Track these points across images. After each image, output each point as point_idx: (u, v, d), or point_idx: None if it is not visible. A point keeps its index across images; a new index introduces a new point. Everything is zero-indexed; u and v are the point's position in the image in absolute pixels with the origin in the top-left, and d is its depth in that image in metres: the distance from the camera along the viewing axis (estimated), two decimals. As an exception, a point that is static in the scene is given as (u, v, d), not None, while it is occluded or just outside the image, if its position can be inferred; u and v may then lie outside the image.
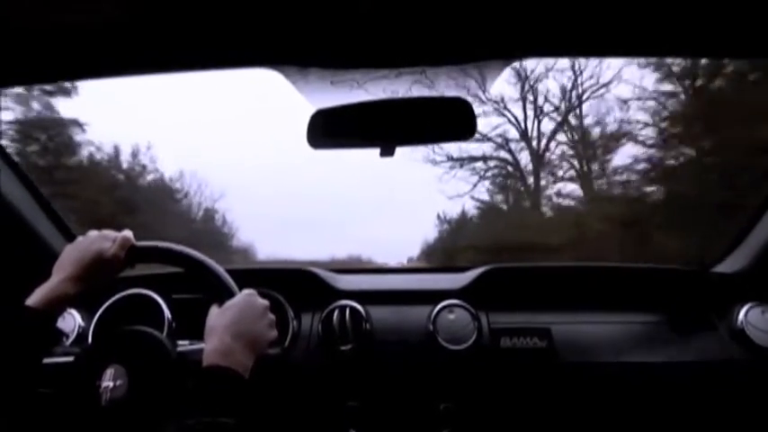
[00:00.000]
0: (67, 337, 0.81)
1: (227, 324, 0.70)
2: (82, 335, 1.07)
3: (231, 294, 0.78)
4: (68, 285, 0.72)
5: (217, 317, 0.73)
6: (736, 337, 1.05)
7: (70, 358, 0.73)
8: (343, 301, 1.11)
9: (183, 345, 0.80)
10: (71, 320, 1.08)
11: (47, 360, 0.71)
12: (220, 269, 0.82)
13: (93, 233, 0.80)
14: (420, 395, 1.06)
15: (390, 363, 1.08)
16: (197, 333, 0.75)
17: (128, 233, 0.81)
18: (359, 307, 1.10)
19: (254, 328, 0.73)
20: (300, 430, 1.07)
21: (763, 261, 1.14)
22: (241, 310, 0.74)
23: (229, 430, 0.57)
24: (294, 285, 1.14)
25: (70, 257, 0.75)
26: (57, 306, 0.71)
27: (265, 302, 0.78)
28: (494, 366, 1.06)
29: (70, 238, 1.17)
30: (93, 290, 0.76)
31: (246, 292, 0.78)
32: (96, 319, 1.06)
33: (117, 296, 1.08)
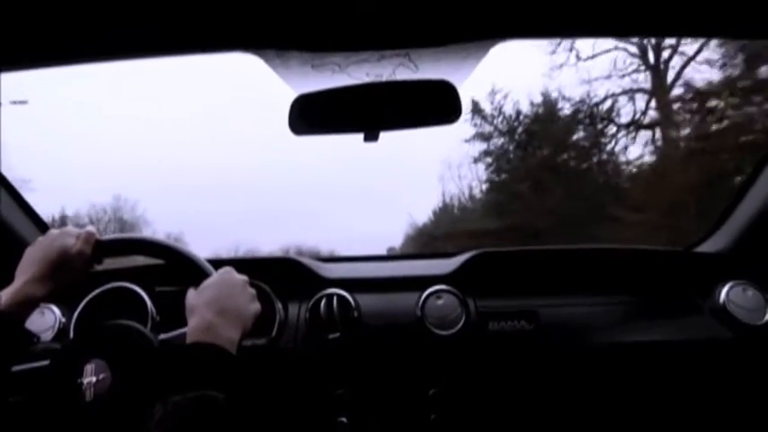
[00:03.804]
0: (38, 339, 0.79)
1: (208, 301, 0.69)
2: (63, 330, 1.05)
3: (207, 275, 0.77)
4: (33, 286, 0.70)
5: (196, 296, 0.71)
6: (718, 316, 1.07)
7: (45, 362, 0.71)
8: (331, 290, 1.09)
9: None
10: (51, 316, 1.05)
11: (19, 367, 0.69)
12: (191, 252, 0.80)
13: (53, 231, 0.77)
14: (409, 381, 1.06)
15: (379, 350, 1.08)
16: (182, 326, 0.73)
17: (91, 228, 0.79)
18: (346, 295, 1.09)
19: (236, 302, 0.71)
20: (291, 420, 1.06)
21: (744, 240, 1.16)
22: (220, 287, 0.72)
23: (218, 404, 0.55)
24: (279, 275, 1.13)
25: (31, 258, 0.73)
26: (22, 309, 0.69)
27: (244, 277, 0.77)
28: (482, 350, 1.07)
29: (43, 228, 1.14)
30: (64, 288, 0.74)
31: (223, 269, 0.76)
32: (77, 314, 1.04)
33: (98, 290, 1.06)
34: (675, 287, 1.14)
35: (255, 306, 0.75)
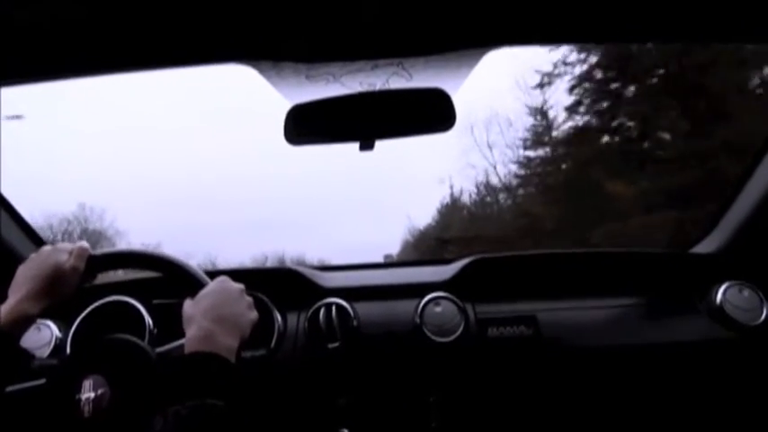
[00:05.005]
0: (34, 357, 0.79)
1: (205, 310, 0.69)
2: (60, 346, 1.04)
3: (202, 285, 0.77)
4: (28, 304, 0.69)
5: (192, 306, 0.71)
6: (715, 316, 1.07)
7: (42, 380, 0.71)
8: (329, 299, 1.09)
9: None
10: (47, 332, 1.04)
11: (15, 387, 0.68)
12: (186, 263, 0.80)
13: (46, 248, 0.77)
14: (409, 389, 1.06)
15: (379, 358, 1.07)
16: (179, 338, 0.73)
17: (84, 244, 0.79)
18: (345, 304, 1.08)
19: (233, 310, 0.71)
20: (292, 431, 1.06)
21: (740, 240, 1.16)
22: (216, 296, 0.72)
23: (219, 412, 0.55)
24: (278, 285, 1.13)
25: (24, 276, 0.72)
26: (17, 327, 0.68)
27: (240, 285, 0.77)
28: (482, 356, 1.07)
29: (38, 242, 1.14)
30: (58, 304, 0.73)
31: (219, 279, 0.76)
32: (73, 329, 1.03)
33: (95, 305, 1.05)
34: (672, 289, 1.15)
35: (253, 314, 0.75)
